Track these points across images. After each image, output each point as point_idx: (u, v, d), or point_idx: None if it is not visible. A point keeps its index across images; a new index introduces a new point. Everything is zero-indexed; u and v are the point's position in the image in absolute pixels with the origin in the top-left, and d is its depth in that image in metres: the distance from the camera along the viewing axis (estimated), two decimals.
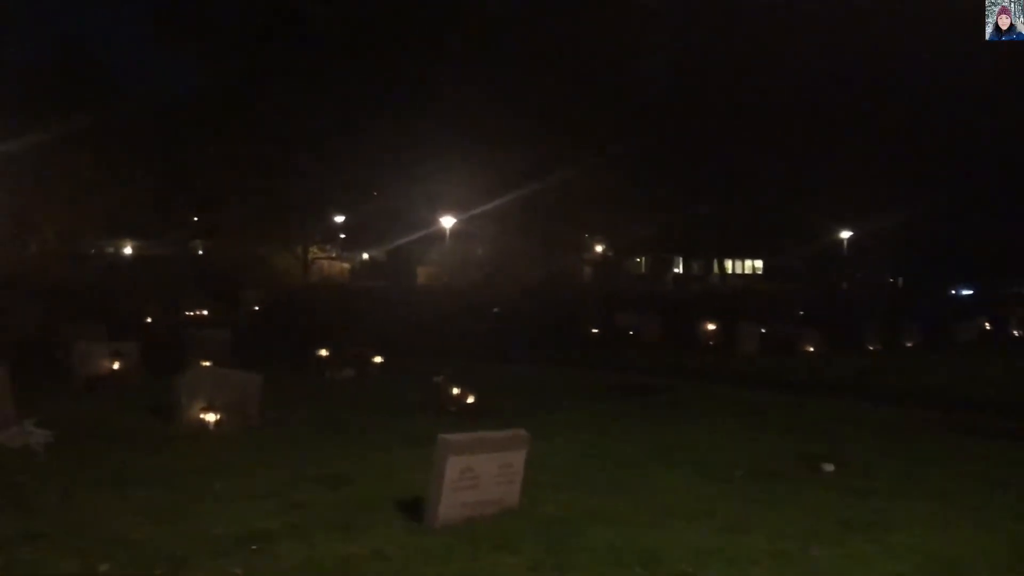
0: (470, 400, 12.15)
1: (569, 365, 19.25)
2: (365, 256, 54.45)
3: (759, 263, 69.92)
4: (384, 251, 49.21)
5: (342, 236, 52.27)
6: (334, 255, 54.10)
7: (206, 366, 12.57)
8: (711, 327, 26.20)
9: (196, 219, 47.81)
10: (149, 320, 25.61)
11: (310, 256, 49.02)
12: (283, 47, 39.97)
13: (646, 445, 10.31)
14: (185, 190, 43.53)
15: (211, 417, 10.45)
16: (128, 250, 51.02)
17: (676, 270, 64.58)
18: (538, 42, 41.18)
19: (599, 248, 53.43)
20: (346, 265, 56.14)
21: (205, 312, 28.62)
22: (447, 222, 43.02)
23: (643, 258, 64.29)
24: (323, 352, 16.57)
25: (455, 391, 12.29)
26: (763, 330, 24.54)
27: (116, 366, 14.33)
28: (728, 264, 64.44)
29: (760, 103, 44.12)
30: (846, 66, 44.23)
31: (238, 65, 41.02)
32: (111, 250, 50.32)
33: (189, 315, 28.02)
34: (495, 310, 23.25)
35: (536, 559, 6.14)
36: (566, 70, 40.32)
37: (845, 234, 52.61)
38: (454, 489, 6.72)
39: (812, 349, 23.70)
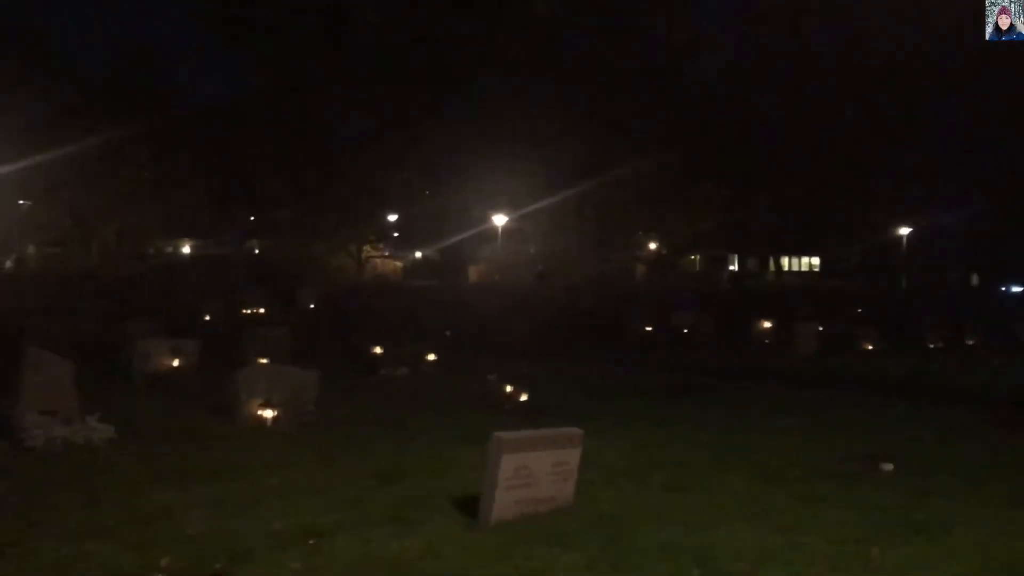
0: (523, 398, 12.17)
1: (622, 364, 19.17)
2: (418, 254, 54.75)
3: (816, 260, 68.95)
4: (436, 249, 49.43)
5: (395, 235, 52.63)
6: (387, 254, 54.48)
7: (263, 363, 12.75)
8: (767, 325, 25.94)
9: (252, 219, 48.50)
10: (207, 318, 26.01)
11: (364, 255, 49.43)
12: (337, 48, 40.35)
13: (701, 444, 10.24)
14: (242, 190, 44.19)
15: (268, 413, 10.59)
16: (186, 249, 51.95)
17: (731, 268, 63.94)
18: (589, 41, 41.07)
19: (652, 246, 53.13)
20: (399, 264, 56.55)
21: (262, 310, 29.01)
22: (499, 220, 43.10)
23: (697, 256, 63.76)
24: (377, 350, 16.71)
25: (508, 389, 12.33)
26: (820, 328, 24.23)
27: (176, 363, 14.62)
28: (784, 261, 63.56)
29: (816, 98, 43.52)
30: (904, 61, 43.41)
31: (293, 66, 41.50)
32: (170, 250, 51.24)
33: (246, 313, 28.42)
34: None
35: (591, 557, 6.13)
36: (617, 68, 40.14)
37: (904, 230, 51.69)
38: (508, 487, 6.73)
39: (871, 347, 23.35)
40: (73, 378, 10.07)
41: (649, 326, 27.74)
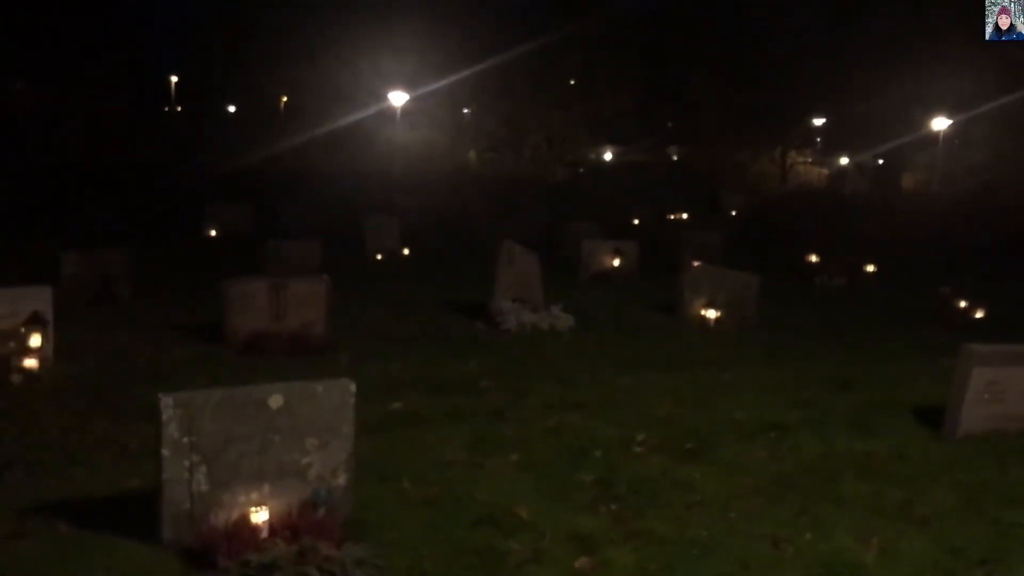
0: (979, 315, 11.41)
1: None
2: (845, 161, 52.09)
3: None
4: (867, 156, 46.59)
5: (819, 140, 50.45)
6: (811, 160, 52.55)
7: (705, 266, 13.08)
8: None
9: (671, 125, 48.99)
10: (636, 222, 26.98)
11: (788, 161, 48.12)
12: None
13: None
14: (664, 96, 44.71)
15: (711, 314, 10.99)
16: (608, 156, 53.86)
17: None
18: None
19: None
20: (824, 171, 54.28)
21: (684, 216, 29.49)
22: (938, 124, 39.51)
23: None
24: (813, 258, 16.44)
25: (963, 304, 11.61)
26: None
27: (617, 263, 15.49)
28: None
29: None
30: None
31: None
32: (593, 156, 53.42)
33: (671, 218, 29.08)
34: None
35: None
36: None
37: None
38: (978, 400, 6.51)
39: None
40: (540, 271, 11.14)
41: None
